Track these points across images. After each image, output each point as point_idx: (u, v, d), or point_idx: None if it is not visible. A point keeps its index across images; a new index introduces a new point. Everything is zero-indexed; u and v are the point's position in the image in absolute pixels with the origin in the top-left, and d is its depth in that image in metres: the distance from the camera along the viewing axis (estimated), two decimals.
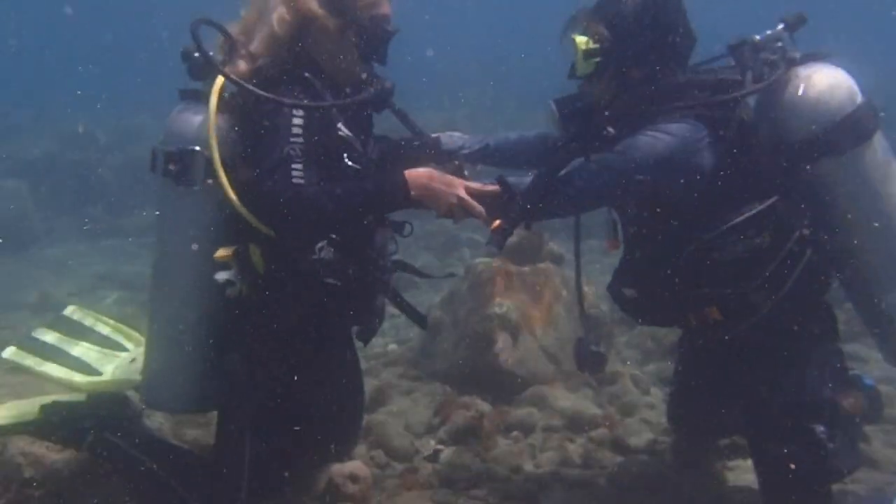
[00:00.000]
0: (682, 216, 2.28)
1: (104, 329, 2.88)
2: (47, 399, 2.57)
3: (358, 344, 2.61)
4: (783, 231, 2.25)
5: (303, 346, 2.26)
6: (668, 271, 2.32)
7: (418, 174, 2.12)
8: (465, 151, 2.72)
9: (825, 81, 2.23)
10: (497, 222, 2.24)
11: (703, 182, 2.23)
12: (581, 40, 2.29)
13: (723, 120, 2.24)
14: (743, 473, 3.00)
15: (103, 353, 2.79)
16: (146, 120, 13.05)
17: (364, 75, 2.33)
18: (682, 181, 2.22)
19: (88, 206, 10.59)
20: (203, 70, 2.21)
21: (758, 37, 2.33)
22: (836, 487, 2.41)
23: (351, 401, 2.62)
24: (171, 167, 2.15)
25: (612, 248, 2.69)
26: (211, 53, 2.21)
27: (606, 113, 2.35)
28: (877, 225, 2.27)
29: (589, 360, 2.76)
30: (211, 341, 2.31)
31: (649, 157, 2.19)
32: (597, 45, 2.28)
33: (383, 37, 2.28)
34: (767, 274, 2.24)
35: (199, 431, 3.32)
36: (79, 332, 2.83)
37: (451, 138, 2.73)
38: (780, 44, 2.32)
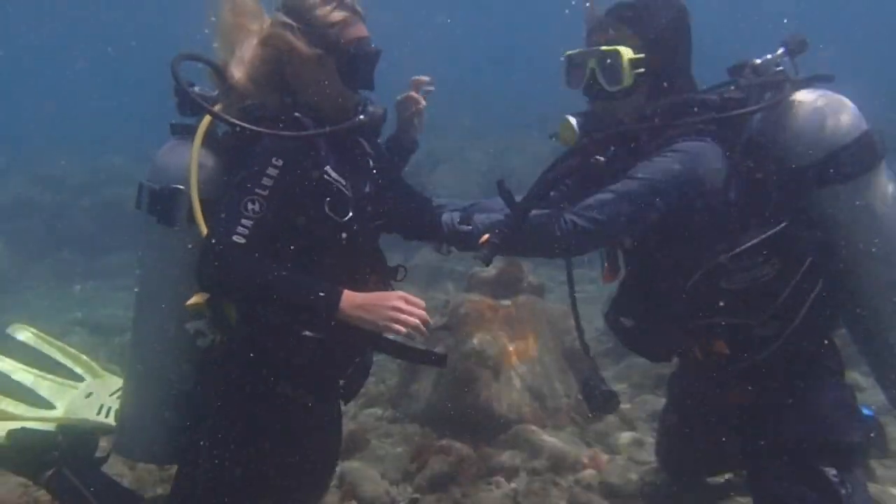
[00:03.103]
0: (690, 241, 2.13)
1: (56, 354, 2.64)
2: (16, 425, 2.39)
3: None
4: (794, 259, 2.11)
5: (276, 403, 2.08)
6: (672, 300, 2.16)
7: (354, 293, 1.94)
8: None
9: (828, 107, 2.13)
10: (486, 236, 2.11)
11: (716, 204, 2.10)
12: (626, 50, 2.13)
13: (732, 139, 2.13)
14: None
15: (55, 383, 2.58)
16: (120, 161, 12.91)
17: (353, 103, 2.18)
18: (699, 203, 2.08)
19: (62, 250, 10.39)
20: (192, 106, 2.08)
21: (758, 60, 2.23)
22: None
23: (324, 459, 2.41)
24: (154, 205, 2.05)
25: (608, 280, 2.53)
26: (196, 88, 2.10)
27: (606, 130, 2.17)
28: (878, 256, 2.13)
29: (600, 402, 2.56)
30: (183, 391, 2.15)
31: (670, 179, 2.05)
32: (641, 55, 2.13)
33: (365, 59, 2.12)
34: (778, 304, 2.10)
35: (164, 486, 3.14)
36: (28, 356, 2.60)
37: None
38: (780, 67, 2.21)
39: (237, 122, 1.98)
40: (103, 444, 2.53)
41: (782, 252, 2.10)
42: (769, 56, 2.21)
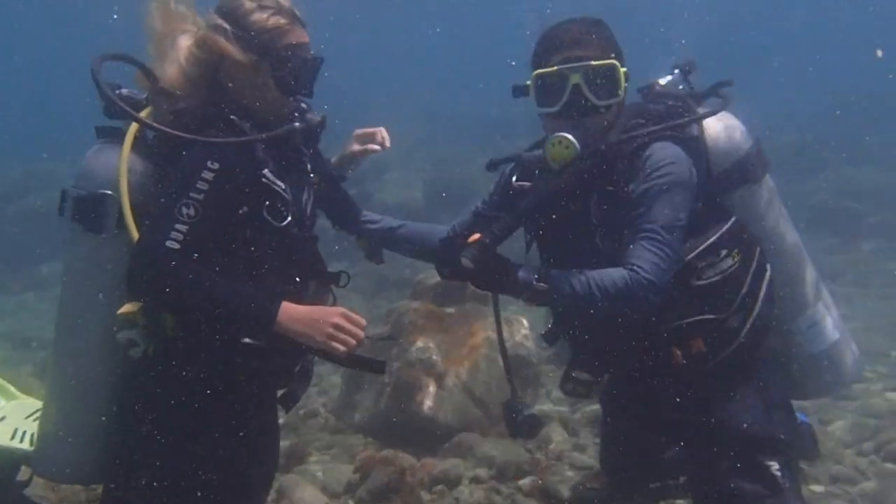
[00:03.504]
0: None
1: None
2: None
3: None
4: (748, 248, 2.26)
5: (214, 414, 2.01)
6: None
7: (295, 306, 1.92)
8: (373, 226, 2.59)
9: (729, 124, 2.33)
10: (476, 235, 2.07)
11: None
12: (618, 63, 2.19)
13: (687, 142, 2.24)
14: None
15: None
16: (53, 166, 12.39)
17: (289, 110, 2.13)
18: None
19: None
20: (120, 110, 1.98)
21: (662, 80, 2.40)
22: None
23: (261, 471, 2.35)
24: (80, 211, 1.96)
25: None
26: (125, 91, 2.03)
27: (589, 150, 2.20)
28: (774, 253, 2.35)
29: (523, 426, 2.58)
30: (111, 406, 2.05)
31: (684, 192, 2.13)
32: (625, 69, 2.20)
33: (302, 66, 2.08)
34: (743, 293, 2.21)
35: None
36: None
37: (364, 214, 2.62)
38: (681, 87, 2.40)
39: (164, 128, 1.92)
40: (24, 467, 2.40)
41: (738, 243, 2.23)
42: (669, 77, 2.41)
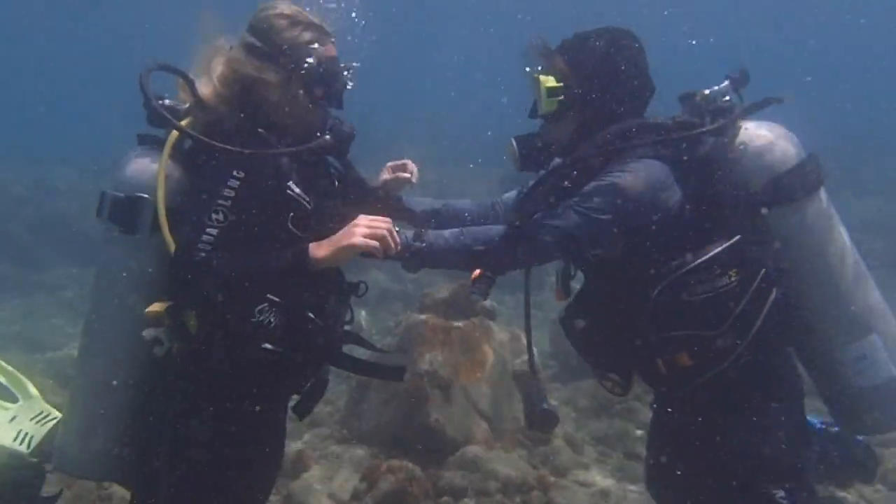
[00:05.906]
0: (650, 256, 2.21)
1: None
2: None
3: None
4: (749, 270, 2.21)
5: (233, 415, 2.06)
6: (635, 314, 2.21)
7: (319, 242, 1.99)
8: (420, 210, 2.62)
9: (771, 136, 2.28)
10: (477, 272, 2.24)
11: (670, 220, 2.20)
12: (545, 79, 2.27)
13: (686, 161, 2.24)
14: None
15: None
16: (66, 173, 12.53)
17: (320, 121, 2.20)
18: (649, 218, 2.18)
19: None
20: (161, 119, 2.07)
21: (706, 91, 2.36)
22: None
23: (268, 471, 2.39)
24: (116, 213, 2.03)
25: (560, 299, 2.60)
26: (167, 101, 2.10)
27: (567, 157, 2.28)
28: (818, 274, 2.27)
29: (540, 420, 2.59)
30: (135, 403, 2.10)
31: (615, 196, 2.15)
32: (560, 84, 2.27)
33: (333, 79, 2.15)
34: (737, 314, 2.17)
35: None
36: None
37: (409, 199, 2.65)
38: (727, 97, 2.35)
39: (204, 139, 2.00)
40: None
41: (738, 263, 2.20)
42: (716, 87, 2.34)
